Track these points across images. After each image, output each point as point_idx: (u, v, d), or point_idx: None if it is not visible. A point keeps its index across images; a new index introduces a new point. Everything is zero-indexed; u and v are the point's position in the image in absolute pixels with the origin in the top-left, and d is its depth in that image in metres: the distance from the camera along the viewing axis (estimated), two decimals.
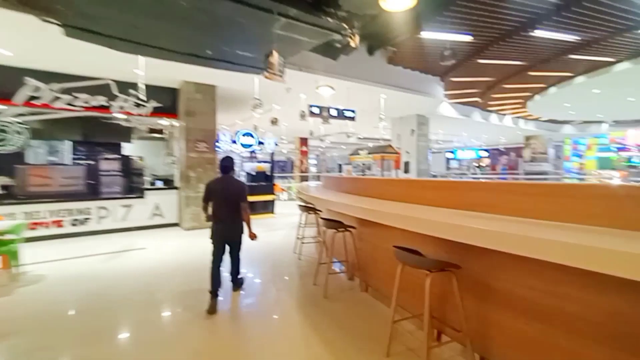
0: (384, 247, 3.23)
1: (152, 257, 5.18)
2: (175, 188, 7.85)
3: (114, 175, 8.41)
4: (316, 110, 7.46)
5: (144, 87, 5.31)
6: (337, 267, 4.18)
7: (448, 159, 28.03)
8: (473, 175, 21.17)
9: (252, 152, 10.06)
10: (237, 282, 3.67)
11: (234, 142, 8.61)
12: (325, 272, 3.54)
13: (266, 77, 3.61)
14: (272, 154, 9.21)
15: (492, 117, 14.44)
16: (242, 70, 5.73)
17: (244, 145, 8.74)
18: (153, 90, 7.46)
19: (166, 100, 7.60)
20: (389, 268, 3.06)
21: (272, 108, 10.51)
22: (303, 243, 5.02)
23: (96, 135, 8.22)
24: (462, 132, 17.83)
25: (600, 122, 17.74)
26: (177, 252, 5.46)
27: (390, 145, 10.29)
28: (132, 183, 9.02)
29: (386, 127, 15.16)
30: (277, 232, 7.04)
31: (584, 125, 18.25)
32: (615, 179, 18.00)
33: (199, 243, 6.10)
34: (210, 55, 4.65)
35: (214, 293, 3.20)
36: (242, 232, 3.45)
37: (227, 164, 3.42)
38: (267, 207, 9.15)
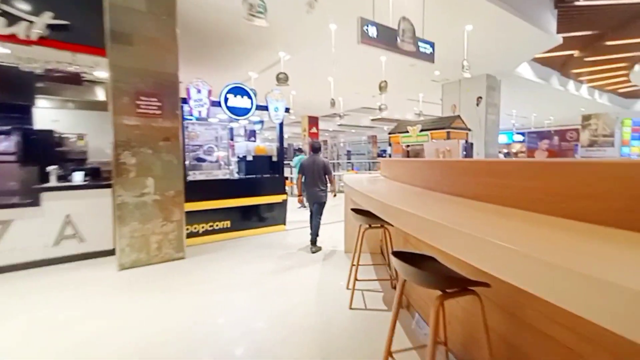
0: None
1: None
2: (107, 186, 4.26)
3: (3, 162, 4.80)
4: (373, 32, 3.78)
5: None
6: None
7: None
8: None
9: (253, 124, 6.43)
10: (316, 245, 4.38)
11: (217, 103, 4.89)
12: None
13: None
14: (281, 125, 5.55)
15: (570, 85, 10.86)
16: None
17: (233, 111, 5.06)
18: None
19: (80, 17, 3.94)
20: None
21: (279, 59, 6.85)
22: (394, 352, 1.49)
23: None
24: (511, 109, 14.23)
25: None
26: None
27: (459, 117, 6.78)
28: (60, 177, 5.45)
29: (425, 99, 11.62)
30: (299, 274, 3.54)
31: None
32: None
33: (146, 312, 2.58)
34: None
35: (312, 238, 4.39)
36: (325, 197, 4.38)
37: (317, 146, 4.43)
38: (273, 216, 5.58)
